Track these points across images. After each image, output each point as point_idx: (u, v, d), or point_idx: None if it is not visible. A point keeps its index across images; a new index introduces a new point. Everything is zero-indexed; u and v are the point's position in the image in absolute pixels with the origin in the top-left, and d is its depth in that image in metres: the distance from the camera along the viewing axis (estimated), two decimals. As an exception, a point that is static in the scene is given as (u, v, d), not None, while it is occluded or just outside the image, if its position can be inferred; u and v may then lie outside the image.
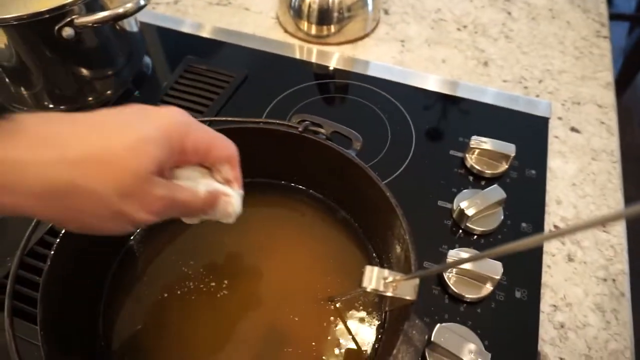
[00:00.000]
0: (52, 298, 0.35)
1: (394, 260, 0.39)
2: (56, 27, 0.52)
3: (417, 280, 0.31)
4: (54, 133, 0.25)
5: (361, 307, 0.41)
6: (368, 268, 0.32)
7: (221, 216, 0.34)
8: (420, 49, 0.71)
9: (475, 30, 0.74)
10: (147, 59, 0.69)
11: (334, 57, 0.69)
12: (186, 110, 0.59)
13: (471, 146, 0.55)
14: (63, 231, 0.37)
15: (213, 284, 0.41)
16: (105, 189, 0.25)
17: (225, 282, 0.41)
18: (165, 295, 0.41)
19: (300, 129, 0.43)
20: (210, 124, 0.39)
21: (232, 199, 0.34)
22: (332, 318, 0.40)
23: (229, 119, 0.43)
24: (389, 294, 0.30)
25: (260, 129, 0.44)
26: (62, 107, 0.62)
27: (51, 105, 0.61)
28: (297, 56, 0.70)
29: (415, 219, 0.39)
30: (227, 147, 0.34)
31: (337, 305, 0.40)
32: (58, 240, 0.36)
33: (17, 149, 0.24)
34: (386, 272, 0.31)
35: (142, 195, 0.27)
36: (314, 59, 0.69)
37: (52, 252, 0.36)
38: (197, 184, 0.32)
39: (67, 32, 0.52)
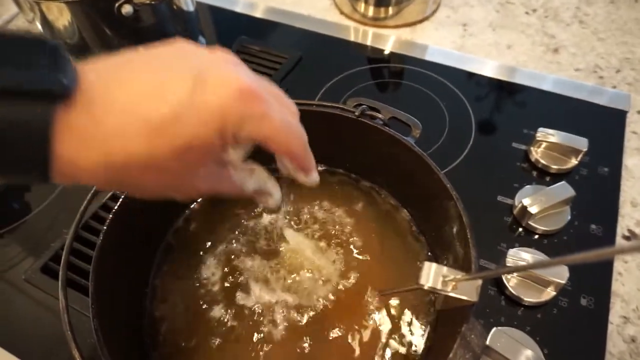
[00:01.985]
0: (104, 271, 0.35)
1: (450, 256, 0.37)
2: (116, 4, 0.52)
3: (479, 281, 0.29)
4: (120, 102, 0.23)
5: (412, 303, 0.39)
6: (426, 264, 0.29)
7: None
8: (483, 33, 0.67)
9: (546, 14, 0.68)
10: (201, 39, 0.69)
11: (391, 41, 0.66)
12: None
13: (537, 139, 0.51)
14: (116, 207, 0.37)
15: (265, 268, 0.40)
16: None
17: (275, 265, 0.40)
18: (214, 277, 0.41)
19: (356, 113, 0.40)
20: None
21: (274, 197, 0.32)
22: (381, 311, 0.38)
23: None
24: (448, 293, 0.28)
25: (313, 112, 0.42)
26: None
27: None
28: (352, 39, 0.68)
29: (472, 213, 0.36)
30: (288, 145, 0.28)
31: (387, 298, 0.38)
32: (111, 215, 0.37)
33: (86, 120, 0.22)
34: (445, 269, 0.29)
35: (190, 178, 0.26)
36: (369, 42, 0.67)
37: (105, 227, 0.36)
38: (245, 178, 0.30)
39: (126, 9, 0.53)
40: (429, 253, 0.41)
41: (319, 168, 0.46)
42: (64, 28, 0.56)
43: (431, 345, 0.36)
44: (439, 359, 0.29)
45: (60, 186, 0.53)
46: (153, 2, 0.53)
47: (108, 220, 0.36)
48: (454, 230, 0.36)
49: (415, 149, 0.38)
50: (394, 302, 0.39)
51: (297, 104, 0.42)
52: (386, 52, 0.65)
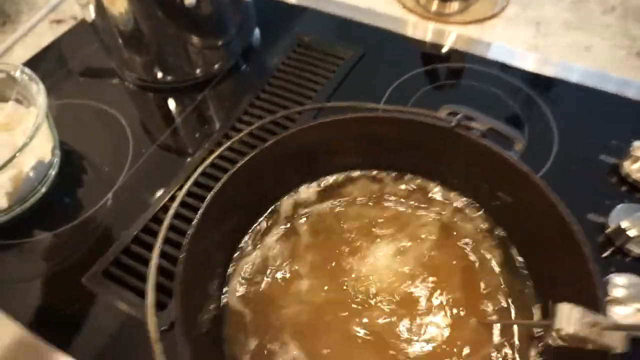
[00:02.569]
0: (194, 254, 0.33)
1: (561, 293, 0.33)
2: (180, -6, 0.49)
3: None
4: None
5: (516, 336, 0.35)
6: (562, 306, 0.26)
7: None
8: (558, 33, 0.62)
9: (625, 13, 0.64)
10: (256, 32, 0.65)
11: (461, 39, 0.62)
12: (297, 91, 0.57)
13: (631, 153, 0.47)
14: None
15: (351, 283, 0.38)
16: None
17: (366, 285, 0.37)
18: (296, 279, 0.38)
19: (453, 123, 0.37)
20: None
21: None
22: (480, 339, 0.35)
23: (371, 106, 0.38)
24: (593, 341, 0.25)
25: (402, 120, 0.39)
26: (169, 77, 0.60)
27: (160, 75, 0.59)
28: (417, 36, 0.63)
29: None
30: None
31: (488, 327, 0.35)
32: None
33: None
34: (581, 312, 0.26)
35: None
36: (438, 40, 0.63)
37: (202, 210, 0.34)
38: None
39: (189, 0, 0.49)
40: (530, 282, 0.37)
41: (407, 177, 0.42)
42: (120, 15, 0.53)
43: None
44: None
45: (115, 187, 0.51)
46: (218, -8, 0.50)
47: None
48: (568, 262, 0.33)
49: (522, 167, 0.35)
50: (497, 331, 0.35)
51: (387, 110, 0.39)
52: (457, 49, 0.61)
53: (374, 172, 0.42)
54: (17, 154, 0.42)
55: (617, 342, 0.25)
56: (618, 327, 0.25)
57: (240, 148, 0.51)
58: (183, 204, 0.47)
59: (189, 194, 0.47)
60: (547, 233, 0.34)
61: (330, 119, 0.37)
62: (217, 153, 0.35)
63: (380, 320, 0.36)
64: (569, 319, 0.25)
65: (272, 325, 0.36)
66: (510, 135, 0.37)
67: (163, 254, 0.43)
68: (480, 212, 0.40)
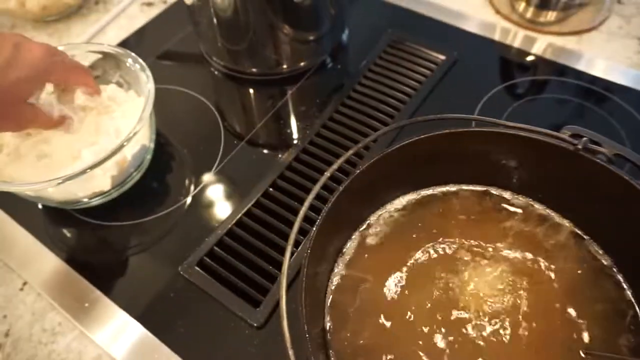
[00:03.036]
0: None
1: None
2: (289, -15, 0.49)
3: None
4: None
5: None
6: None
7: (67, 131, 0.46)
8: (663, 51, 0.59)
9: None
10: (346, 29, 0.64)
11: (557, 51, 0.60)
12: (389, 93, 0.56)
13: None
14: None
15: (442, 306, 0.37)
16: None
17: (455, 307, 0.37)
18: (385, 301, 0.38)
19: (579, 146, 0.36)
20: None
21: (74, 121, 0.47)
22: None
23: (493, 120, 0.37)
24: None
25: (518, 137, 0.38)
26: (255, 69, 0.60)
27: (247, 65, 0.60)
28: (510, 43, 0.61)
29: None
30: (80, 79, 0.47)
31: (588, 356, 0.34)
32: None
33: None
34: None
35: (17, 114, 0.42)
36: (531, 49, 0.60)
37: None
38: (52, 109, 0.45)
39: (298, -8, 0.49)
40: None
41: (520, 199, 0.41)
42: (221, 1, 0.52)
43: None
44: None
45: (206, 177, 0.51)
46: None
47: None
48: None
49: (656, 198, 0.33)
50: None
51: (496, 125, 0.38)
52: (546, 60, 0.59)
53: (487, 189, 0.42)
54: (127, 141, 0.43)
55: None
56: None
57: (332, 150, 0.52)
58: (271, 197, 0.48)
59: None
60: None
61: (461, 130, 0.37)
62: (346, 156, 0.35)
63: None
64: None
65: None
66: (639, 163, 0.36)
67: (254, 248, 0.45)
68: (597, 247, 0.39)
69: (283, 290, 0.29)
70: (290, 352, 0.27)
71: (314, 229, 0.33)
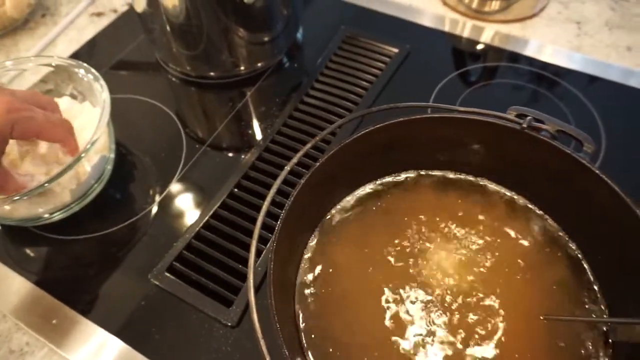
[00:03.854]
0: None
1: (634, 294, 0.35)
2: (239, -10, 0.49)
3: None
4: None
5: (576, 330, 0.36)
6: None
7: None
8: (599, 33, 0.63)
9: (666, 14, 0.64)
10: (300, 28, 0.65)
11: (502, 38, 0.63)
12: (347, 88, 0.57)
13: (681, 154, 0.48)
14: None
15: (412, 283, 0.38)
16: None
17: (419, 286, 0.38)
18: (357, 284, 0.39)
19: (524, 125, 0.38)
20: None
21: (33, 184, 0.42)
22: (543, 336, 0.36)
23: (441, 105, 0.39)
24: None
25: (469, 120, 0.39)
26: (213, 73, 0.60)
27: (205, 70, 0.60)
28: (459, 34, 0.64)
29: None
30: (54, 134, 0.43)
31: (551, 323, 0.36)
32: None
33: None
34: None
35: None
36: (479, 38, 0.63)
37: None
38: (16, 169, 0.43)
39: (249, -5, 0.50)
40: (596, 284, 0.38)
41: (481, 182, 0.43)
42: (172, 6, 0.52)
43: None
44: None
45: (170, 183, 0.51)
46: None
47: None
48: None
49: (595, 169, 0.36)
50: (561, 328, 0.36)
51: (450, 110, 0.40)
52: (496, 47, 0.62)
53: (444, 173, 0.43)
54: (84, 153, 0.43)
55: None
56: None
57: (294, 147, 0.52)
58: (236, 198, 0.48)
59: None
60: (618, 236, 0.35)
61: (414, 118, 0.38)
62: (304, 150, 0.35)
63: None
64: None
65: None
66: (581, 138, 0.38)
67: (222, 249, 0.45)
68: (548, 218, 0.41)
69: (250, 284, 0.29)
70: (262, 342, 0.28)
71: (279, 223, 0.34)
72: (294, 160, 0.35)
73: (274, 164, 0.51)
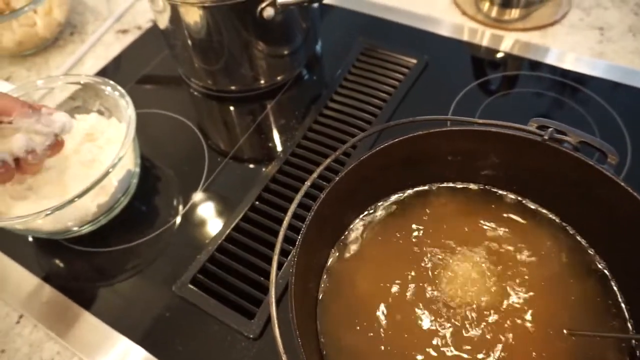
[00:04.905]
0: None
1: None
2: (259, 7, 0.50)
3: None
4: None
5: (600, 347, 0.36)
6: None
7: None
8: (623, 39, 0.62)
9: (692, 18, 0.63)
10: (319, 41, 0.66)
11: (523, 47, 0.62)
12: (366, 100, 0.57)
13: None
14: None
15: (430, 297, 0.38)
16: None
17: (441, 297, 0.38)
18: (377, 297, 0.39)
19: (545, 137, 0.37)
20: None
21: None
22: (565, 351, 0.36)
23: (459, 118, 0.39)
24: None
25: (489, 133, 0.39)
26: (233, 87, 0.61)
27: (225, 84, 0.61)
28: (478, 43, 0.64)
29: None
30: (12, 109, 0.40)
31: (576, 339, 0.36)
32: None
33: None
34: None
35: None
36: (499, 47, 0.63)
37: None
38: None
39: (268, 12, 0.51)
40: (624, 303, 0.38)
41: (504, 195, 0.43)
42: (194, 23, 0.54)
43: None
44: None
45: (193, 196, 0.52)
46: (293, 6, 0.51)
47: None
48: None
49: (620, 182, 0.35)
50: (584, 344, 0.36)
51: (469, 123, 0.40)
52: (514, 56, 0.61)
53: (464, 185, 0.43)
54: (112, 168, 0.44)
55: None
56: None
57: (314, 159, 0.53)
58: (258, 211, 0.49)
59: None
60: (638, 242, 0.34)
61: (433, 131, 0.38)
62: (325, 164, 0.36)
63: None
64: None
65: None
66: (604, 149, 0.37)
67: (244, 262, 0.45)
68: (561, 221, 0.41)
69: (272, 298, 0.30)
70: (284, 358, 0.28)
71: (300, 236, 0.35)
72: (314, 175, 0.35)
73: (294, 177, 0.52)
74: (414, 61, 0.61)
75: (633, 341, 0.35)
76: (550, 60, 0.60)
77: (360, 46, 0.63)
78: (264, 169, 0.53)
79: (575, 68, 0.59)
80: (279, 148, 0.56)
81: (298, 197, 0.35)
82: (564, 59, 0.60)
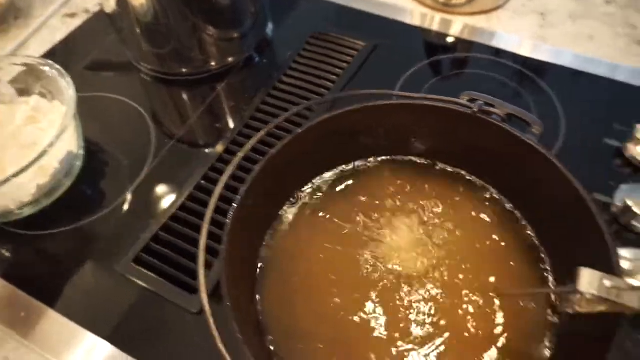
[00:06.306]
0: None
1: (579, 260, 0.36)
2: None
3: (642, 291, 0.28)
4: None
5: (528, 304, 0.37)
6: (584, 270, 0.28)
7: None
8: (563, 23, 0.64)
9: (627, 3, 0.66)
10: (269, 24, 0.66)
11: (468, 30, 0.64)
12: (313, 82, 0.58)
13: (635, 135, 0.49)
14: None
15: (367, 267, 0.39)
16: None
17: (379, 266, 0.39)
18: (316, 270, 0.40)
19: (475, 109, 0.39)
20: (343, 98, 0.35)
21: None
22: (495, 312, 0.37)
23: (393, 92, 0.40)
24: (612, 303, 0.27)
25: (426, 107, 0.41)
26: (184, 70, 0.61)
27: (176, 67, 0.61)
28: (426, 26, 0.65)
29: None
30: None
31: (504, 299, 0.37)
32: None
33: None
34: (602, 275, 0.28)
35: None
36: (446, 30, 0.64)
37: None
38: None
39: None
40: (544, 254, 0.40)
41: (419, 161, 0.44)
42: (140, 6, 0.53)
43: (559, 351, 0.35)
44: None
45: (139, 178, 0.52)
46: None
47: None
48: (583, 235, 0.35)
49: (541, 148, 0.37)
50: (510, 303, 0.38)
51: (408, 97, 0.41)
52: (462, 39, 0.63)
53: (399, 157, 0.44)
54: (50, 147, 0.43)
55: (634, 302, 0.27)
56: (636, 287, 0.27)
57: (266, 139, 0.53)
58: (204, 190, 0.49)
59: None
60: (561, 207, 0.36)
61: (366, 105, 0.39)
62: (258, 137, 0.36)
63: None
64: (591, 282, 0.28)
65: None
66: (529, 120, 0.39)
67: (186, 238, 0.45)
68: (497, 193, 0.42)
69: (201, 264, 0.30)
70: (211, 320, 0.29)
71: (231, 212, 0.35)
72: (247, 146, 0.36)
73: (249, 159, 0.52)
74: (363, 44, 0.62)
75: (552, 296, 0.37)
76: (496, 43, 0.62)
77: (310, 30, 0.64)
78: (211, 150, 0.53)
79: (518, 51, 0.61)
80: (227, 129, 0.56)
81: (227, 173, 0.36)
82: (508, 42, 0.62)
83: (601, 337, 0.30)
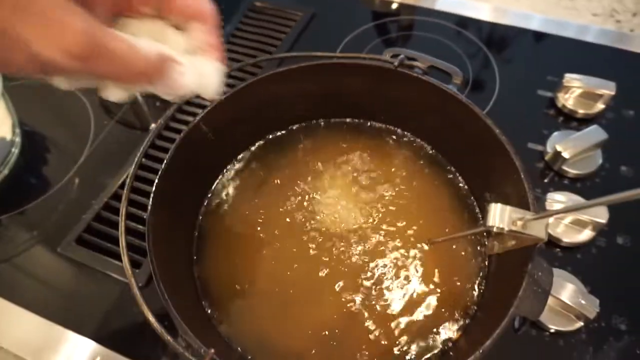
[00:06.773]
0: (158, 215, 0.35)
1: (500, 202, 0.37)
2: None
3: (547, 220, 0.29)
4: None
5: (460, 249, 0.39)
6: (492, 205, 0.30)
7: (170, 90, 0.26)
8: (496, -18, 0.66)
9: (558, -41, 0.67)
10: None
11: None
12: (252, 54, 0.58)
13: (564, 84, 0.51)
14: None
15: (305, 224, 0.40)
16: None
17: (316, 223, 0.40)
18: (255, 231, 0.40)
19: (395, 64, 0.40)
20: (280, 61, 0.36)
21: (186, 70, 0.25)
22: (428, 260, 0.39)
23: (318, 54, 0.40)
24: (522, 233, 0.28)
25: (349, 65, 0.41)
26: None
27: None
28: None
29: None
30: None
31: (437, 245, 0.39)
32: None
33: None
34: (510, 209, 0.29)
35: (50, 18, 0.20)
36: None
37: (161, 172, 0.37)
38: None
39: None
40: (472, 199, 0.41)
41: (350, 120, 0.45)
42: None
43: (486, 290, 0.37)
44: (507, 300, 0.30)
45: (80, 159, 0.51)
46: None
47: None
48: (502, 175, 0.36)
49: (460, 96, 0.38)
50: (442, 248, 0.39)
51: (332, 57, 0.41)
52: (403, 3, 0.64)
53: (330, 120, 0.45)
54: (-23, 132, 0.43)
55: (541, 232, 0.29)
56: (541, 215, 0.28)
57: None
58: (146, 168, 0.49)
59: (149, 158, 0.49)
60: (483, 150, 0.38)
61: (290, 68, 0.40)
62: (173, 109, 0.37)
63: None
64: (501, 216, 0.29)
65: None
66: (449, 71, 0.40)
67: (132, 217, 0.46)
68: (422, 142, 0.44)
69: (122, 230, 0.31)
70: (133, 281, 0.29)
71: (157, 180, 0.35)
72: (168, 113, 0.36)
73: (178, 132, 0.52)
74: (300, 14, 0.62)
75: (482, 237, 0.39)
76: (432, 4, 0.63)
77: (248, 3, 0.64)
78: (150, 128, 0.53)
79: (452, 10, 0.62)
80: (167, 106, 0.55)
81: (149, 138, 0.36)
82: (442, 2, 0.63)
83: (518, 272, 0.31)
